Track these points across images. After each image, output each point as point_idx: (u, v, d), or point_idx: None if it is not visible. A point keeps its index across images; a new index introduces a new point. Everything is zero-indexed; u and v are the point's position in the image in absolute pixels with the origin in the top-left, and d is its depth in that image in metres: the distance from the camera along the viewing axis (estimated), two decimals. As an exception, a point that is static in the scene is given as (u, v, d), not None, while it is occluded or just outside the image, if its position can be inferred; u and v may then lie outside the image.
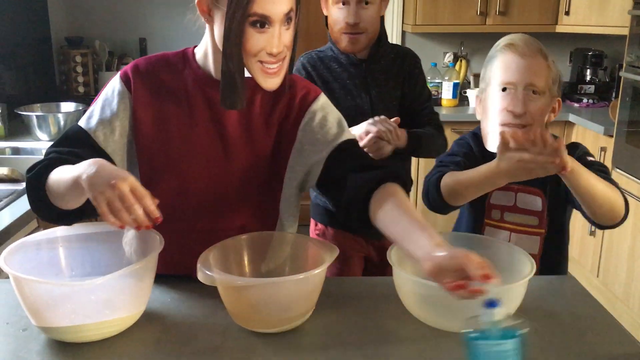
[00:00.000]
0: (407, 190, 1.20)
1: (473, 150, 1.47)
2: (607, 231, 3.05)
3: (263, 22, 1.11)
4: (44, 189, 1.11)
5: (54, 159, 1.14)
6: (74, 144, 1.19)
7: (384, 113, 1.68)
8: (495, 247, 1.26)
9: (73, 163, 1.07)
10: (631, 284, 2.86)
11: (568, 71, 3.87)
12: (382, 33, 1.78)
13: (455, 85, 3.56)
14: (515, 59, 1.36)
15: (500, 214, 1.46)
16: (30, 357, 1.04)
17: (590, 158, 1.43)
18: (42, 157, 1.18)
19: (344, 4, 1.68)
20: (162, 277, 1.24)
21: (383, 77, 1.79)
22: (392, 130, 1.58)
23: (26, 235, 1.47)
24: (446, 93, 3.56)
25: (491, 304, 0.90)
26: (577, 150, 1.44)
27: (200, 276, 1.07)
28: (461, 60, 3.83)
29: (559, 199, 1.42)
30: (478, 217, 1.48)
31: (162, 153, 1.25)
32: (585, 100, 3.61)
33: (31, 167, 1.16)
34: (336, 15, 1.70)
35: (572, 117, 3.36)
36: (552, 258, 1.47)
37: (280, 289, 1.09)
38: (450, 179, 1.34)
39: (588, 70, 3.75)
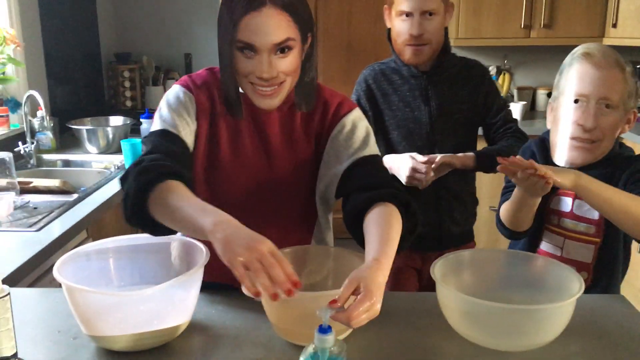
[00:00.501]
0: (408, 210, 1.17)
1: (537, 157, 1.46)
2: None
3: (249, 49, 1.16)
4: (146, 204, 1.09)
5: (162, 166, 1.11)
6: (170, 143, 1.20)
7: (443, 126, 1.70)
8: (545, 265, 1.24)
9: (178, 165, 1.11)
10: (684, 305, 2.76)
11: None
12: (447, 44, 1.76)
13: (499, 99, 3.51)
14: (590, 70, 1.33)
15: (557, 219, 1.45)
16: (81, 365, 1.07)
17: None
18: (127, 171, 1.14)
19: (407, 15, 1.67)
20: (208, 289, 1.26)
21: (447, 88, 1.77)
22: (424, 173, 1.60)
23: (76, 246, 1.52)
24: (489, 107, 3.51)
25: (323, 330, 0.91)
26: (636, 164, 1.40)
27: (243, 288, 1.08)
28: (504, 74, 3.79)
29: None
30: (538, 222, 1.47)
31: (212, 161, 1.28)
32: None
33: (140, 172, 1.10)
34: (400, 27, 1.70)
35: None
36: (606, 268, 1.44)
37: (323, 302, 1.09)
38: (504, 210, 1.40)
39: (638, 84, 3.65)
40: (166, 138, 1.21)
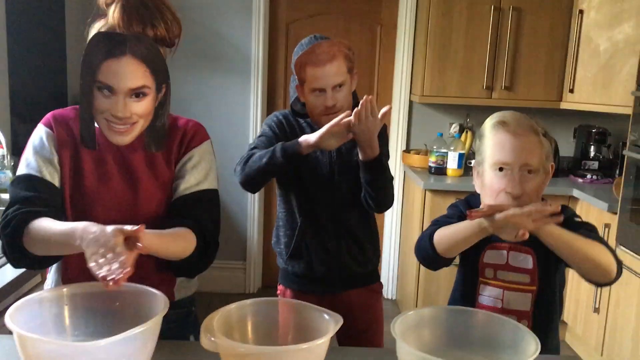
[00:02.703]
0: (205, 242, 1.36)
1: (464, 216, 1.50)
2: (611, 308, 3.02)
3: (107, 89, 1.28)
4: (21, 248, 1.28)
5: (23, 213, 1.28)
6: (30, 189, 1.33)
7: (342, 168, 1.85)
8: (500, 325, 1.26)
9: (39, 208, 1.28)
10: (637, 365, 2.81)
11: (572, 147, 3.92)
12: (355, 104, 1.88)
13: (461, 156, 3.61)
14: (509, 138, 1.40)
15: (493, 272, 1.49)
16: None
17: (578, 219, 1.47)
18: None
19: (320, 91, 1.82)
20: (165, 342, 1.24)
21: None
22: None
23: (30, 290, 1.47)
24: (452, 163, 3.60)
25: None
26: (564, 213, 1.46)
27: (203, 342, 1.07)
28: (467, 132, 3.90)
29: (550, 257, 1.43)
30: (473, 276, 1.51)
31: (77, 188, 1.38)
32: (589, 176, 3.65)
33: (5, 224, 1.30)
34: (314, 101, 1.85)
35: (576, 193, 3.39)
36: (544, 315, 1.48)
37: (283, 358, 1.09)
38: (443, 232, 1.44)
39: (592, 147, 3.80)
40: (28, 183, 1.34)
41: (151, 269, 1.37)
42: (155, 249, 1.22)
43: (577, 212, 3.35)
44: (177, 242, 1.31)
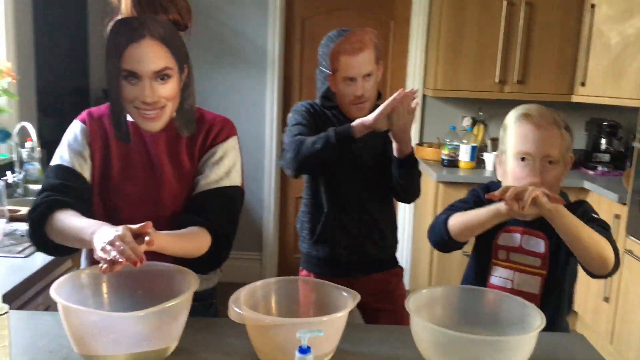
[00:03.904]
0: (217, 241, 1.38)
1: (482, 201, 1.58)
2: (621, 298, 3.07)
3: (132, 77, 1.33)
4: (43, 233, 1.34)
5: (51, 201, 1.35)
6: (60, 178, 1.40)
7: (370, 157, 1.94)
8: (507, 302, 1.34)
9: (67, 198, 1.34)
10: (645, 352, 2.87)
11: (584, 140, 3.97)
12: (379, 96, 2.02)
13: (473, 149, 3.67)
14: (532, 130, 1.47)
15: (506, 254, 1.56)
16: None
17: (595, 215, 1.53)
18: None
19: (351, 80, 1.91)
20: (195, 318, 1.33)
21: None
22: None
23: (62, 274, 1.57)
24: (464, 155, 3.67)
25: (303, 351, 1.03)
26: (581, 207, 1.54)
27: (231, 314, 1.16)
28: (479, 125, 3.96)
29: (561, 245, 1.49)
30: (486, 257, 1.59)
31: (105, 176, 1.45)
32: (600, 169, 3.70)
33: (33, 209, 1.36)
34: (345, 90, 1.93)
35: (587, 184, 3.44)
36: (552, 300, 1.53)
37: (303, 329, 1.17)
38: (458, 218, 1.50)
39: (603, 140, 3.85)
40: (59, 173, 1.41)
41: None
42: (168, 248, 1.25)
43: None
44: (191, 242, 1.33)
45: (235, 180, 1.47)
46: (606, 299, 3.21)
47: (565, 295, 1.59)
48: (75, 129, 1.47)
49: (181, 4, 1.40)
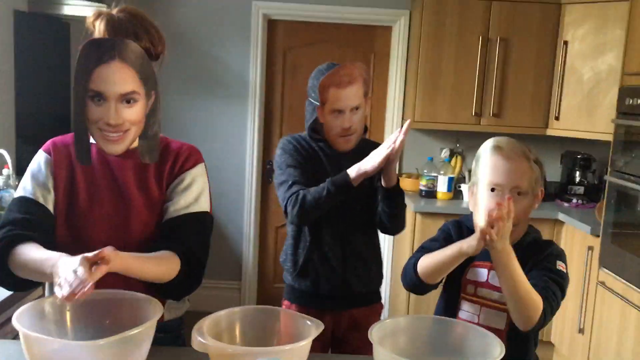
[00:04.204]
0: (189, 266, 1.39)
1: (452, 237, 1.61)
2: (595, 329, 3.10)
3: (98, 97, 1.34)
4: (7, 265, 1.35)
5: (13, 235, 1.35)
6: (22, 211, 1.40)
7: (354, 192, 1.93)
8: (470, 332, 1.36)
9: (28, 232, 1.35)
10: (619, 384, 2.88)
11: (559, 172, 4.04)
12: (365, 129, 2.06)
13: (451, 180, 3.72)
14: (502, 161, 1.51)
15: (474, 288, 1.59)
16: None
17: (558, 261, 1.54)
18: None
19: (339, 112, 1.95)
20: (159, 347, 1.33)
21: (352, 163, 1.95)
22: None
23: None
24: (441, 186, 3.71)
25: None
26: (549, 248, 1.58)
27: (194, 343, 1.17)
28: (457, 156, 4.02)
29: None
30: (455, 291, 1.61)
31: (71, 205, 1.45)
32: (574, 201, 3.76)
33: None
34: (333, 122, 1.97)
35: (561, 216, 3.49)
36: (518, 335, 1.54)
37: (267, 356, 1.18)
38: (426, 260, 1.53)
39: (577, 172, 3.92)
40: (21, 205, 1.42)
41: (140, 290, 1.37)
42: (133, 271, 1.26)
43: (563, 236, 3.47)
44: (159, 265, 1.34)
45: (204, 206, 1.48)
46: (581, 331, 3.23)
47: (531, 333, 1.59)
48: (39, 159, 1.48)
49: (153, 33, 1.42)
